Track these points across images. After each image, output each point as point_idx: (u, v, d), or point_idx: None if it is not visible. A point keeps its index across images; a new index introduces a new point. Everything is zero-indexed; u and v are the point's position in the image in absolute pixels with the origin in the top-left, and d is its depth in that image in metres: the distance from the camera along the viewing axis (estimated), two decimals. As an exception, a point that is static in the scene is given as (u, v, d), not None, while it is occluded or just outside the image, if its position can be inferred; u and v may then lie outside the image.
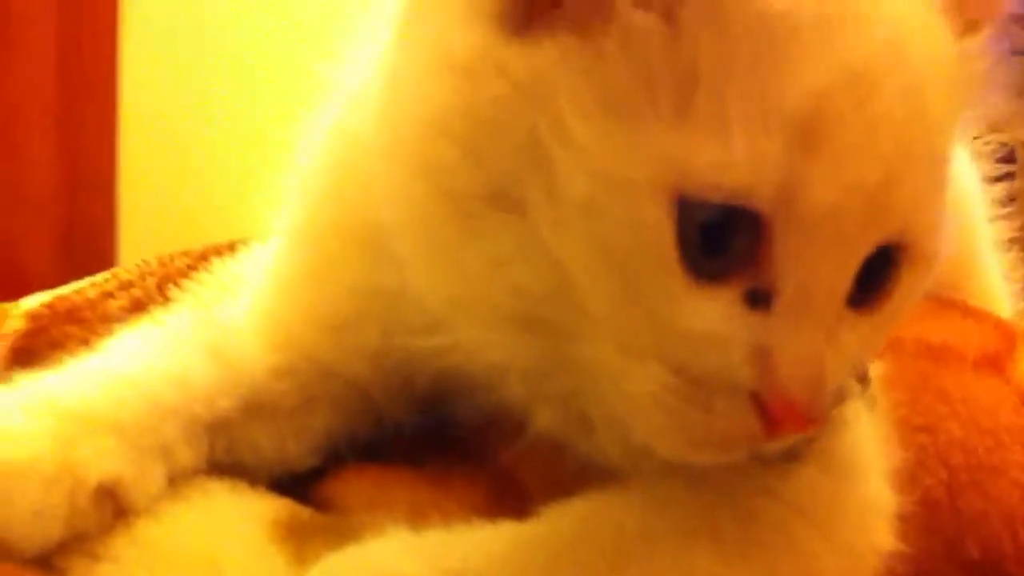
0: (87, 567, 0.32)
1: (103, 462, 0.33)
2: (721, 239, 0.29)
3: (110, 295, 0.54)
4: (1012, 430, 0.45)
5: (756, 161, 0.28)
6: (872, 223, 0.30)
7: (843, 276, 0.31)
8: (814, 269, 0.30)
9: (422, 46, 0.31)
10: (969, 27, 0.33)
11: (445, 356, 0.34)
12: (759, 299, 0.30)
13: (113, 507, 0.33)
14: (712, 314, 0.30)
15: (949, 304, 0.51)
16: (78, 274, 0.67)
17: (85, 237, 3.38)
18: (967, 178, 0.59)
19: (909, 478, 0.41)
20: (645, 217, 0.28)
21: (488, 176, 0.29)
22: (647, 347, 0.30)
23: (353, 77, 0.37)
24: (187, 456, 0.36)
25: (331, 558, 0.30)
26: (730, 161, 0.28)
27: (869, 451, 0.38)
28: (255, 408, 0.39)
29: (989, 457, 0.45)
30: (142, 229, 3.55)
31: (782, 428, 0.30)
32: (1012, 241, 0.65)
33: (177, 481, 0.35)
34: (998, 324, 0.51)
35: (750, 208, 0.29)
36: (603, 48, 0.28)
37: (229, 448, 0.38)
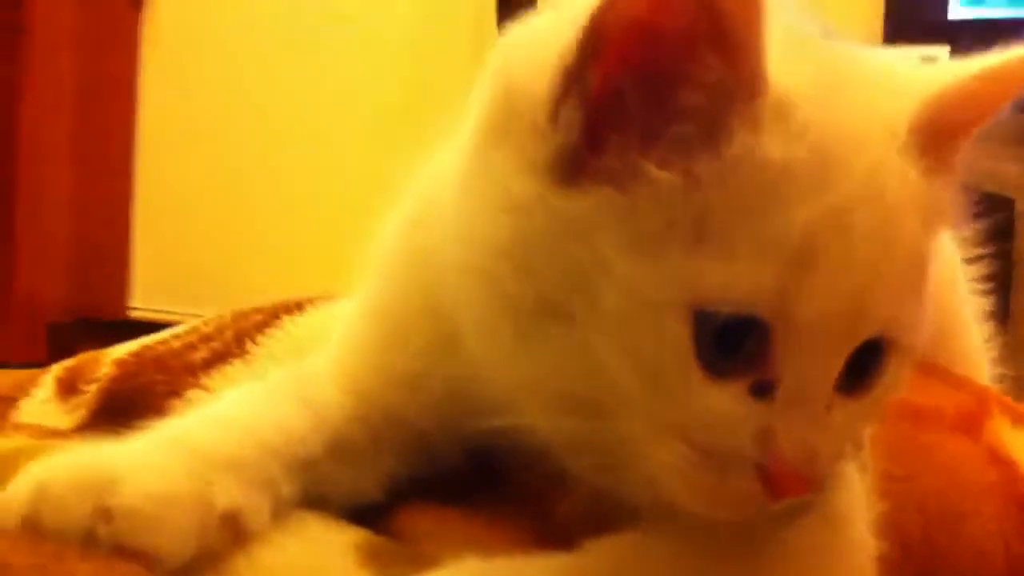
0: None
1: (226, 494, 0.40)
2: (732, 342, 0.37)
3: (193, 347, 0.62)
4: (980, 483, 0.53)
5: (757, 280, 0.36)
6: (854, 327, 0.38)
7: (832, 370, 0.38)
8: (808, 366, 0.38)
9: (489, 185, 0.39)
10: (935, 166, 0.41)
11: (504, 433, 0.42)
12: (764, 390, 0.38)
13: (233, 532, 0.40)
14: (723, 403, 0.37)
15: (932, 370, 0.58)
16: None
17: (97, 280, 3.44)
18: (949, 259, 0.66)
19: (891, 521, 0.48)
20: (668, 327, 0.36)
21: (540, 294, 0.37)
22: (670, 428, 0.38)
23: (427, 185, 0.45)
24: (288, 490, 0.43)
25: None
26: (736, 281, 0.36)
27: (858, 505, 0.46)
28: (336, 449, 0.47)
29: (960, 505, 0.52)
30: (154, 277, 3.60)
31: (783, 493, 0.38)
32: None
33: (279, 512, 0.43)
34: (974, 390, 0.59)
35: (754, 317, 0.36)
36: (633, 198, 0.36)
37: (315, 483, 0.46)
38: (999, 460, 0.54)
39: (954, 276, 0.67)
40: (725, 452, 0.38)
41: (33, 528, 0.36)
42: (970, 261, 0.70)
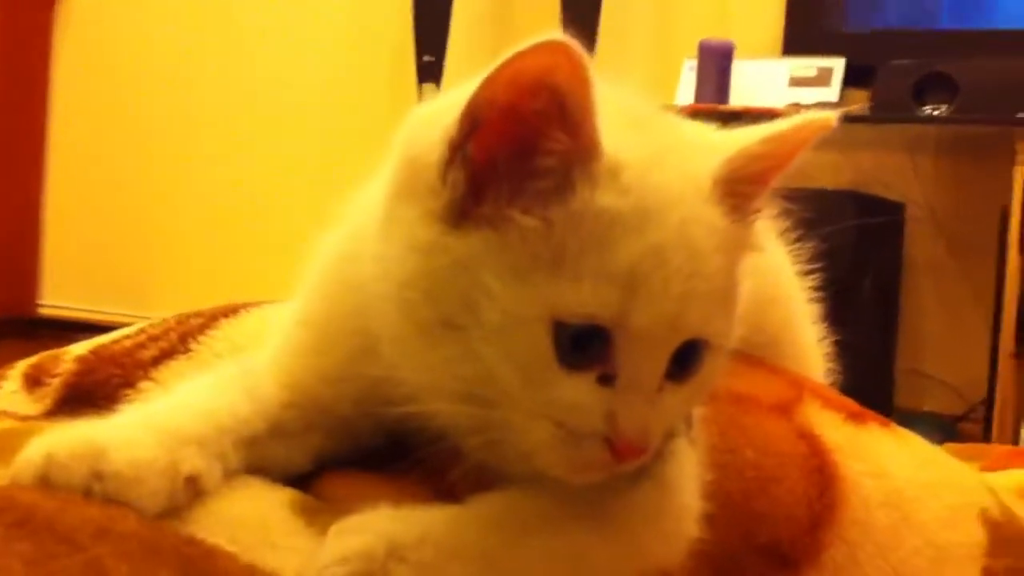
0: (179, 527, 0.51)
1: (189, 462, 0.53)
2: (582, 344, 0.50)
3: (143, 346, 0.74)
4: (790, 454, 0.67)
5: (598, 299, 0.49)
6: (673, 333, 0.51)
7: (658, 365, 0.52)
8: (639, 361, 0.51)
9: (400, 231, 0.52)
10: (737, 210, 0.54)
11: (411, 417, 0.55)
12: (608, 379, 0.51)
13: (194, 491, 0.53)
14: (578, 391, 0.50)
15: (757, 364, 0.73)
16: None
17: (7, 279, 3.46)
18: (785, 271, 0.81)
19: (717, 487, 0.62)
20: (534, 335, 0.49)
21: (440, 313, 0.50)
22: (539, 412, 0.51)
23: (357, 221, 0.58)
24: (235, 461, 0.56)
25: (341, 522, 0.50)
26: (583, 299, 0.49)
27: (687, 473, 0.59)
28: (273, 430, 0.59)
29: (773, 472, 0.66)
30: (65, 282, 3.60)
31: (624, 459, 0.51)
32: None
33: (229, 477, 0.55)
34: (790, 380, 0.73)
35: (597, 325, 0.50)
36: (505, 237, 0.49)
37: (257, 457, 0.58)
38: (806, 436, 0.69)
39: (789, 289, 0.82)
40: (581, 429, 0.51)
41: (44, 484, 0.49)
42: (805, 274, 0.84)
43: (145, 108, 3.66)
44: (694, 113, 2.68)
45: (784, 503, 0.66)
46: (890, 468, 0.70)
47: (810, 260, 0.83)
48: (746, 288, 0.57)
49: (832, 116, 0.55)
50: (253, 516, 0.53)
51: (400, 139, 0.54)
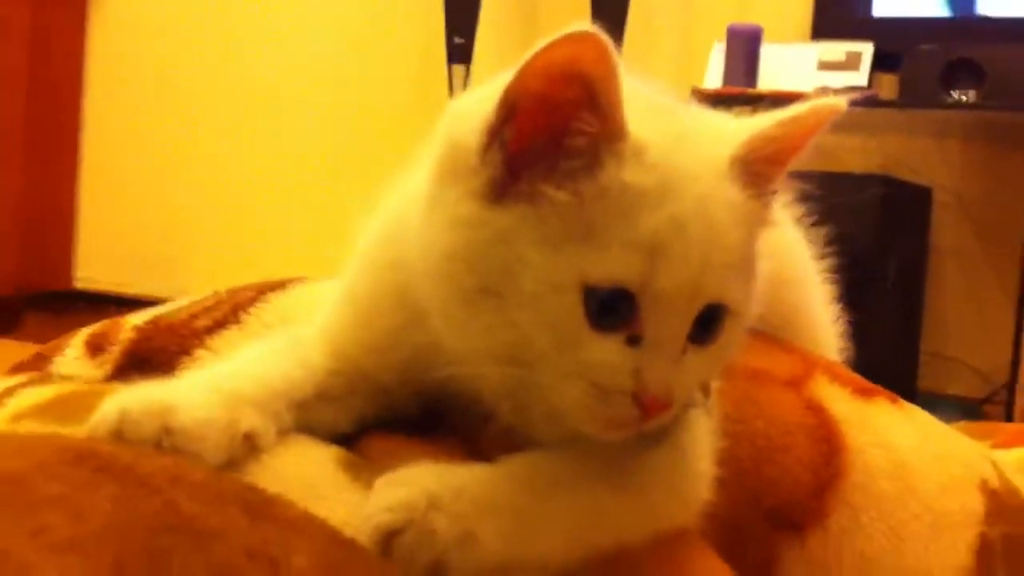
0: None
1: (247, 421, 0.58)
2: (611, 308, 0.55)
3: (196, 316, 0.80)
4: (799, 424, 0.72)
5: (625, 265, 0.54)
6: (695, 296, 0.56)
7: (681, 327, 0.57)
8: (664, 323, 0.56)
9: (443, 211, 0.57)
10: (753, 190, 0.59)
11: (453, 380, 0.60)
12: (635, 341, 0.56)
13: (251, 446, 0.59)
14: (607, 351, 0.55)
15: (772, 341, 0.78)
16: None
17: (43, 263, 3.53)
18: (801, 254, 0.86)
19: (730, 454, 0.67)
20: (566, 300, 0.55)
21: (481, 282, 0.55)
22: (571, 372, 0.56)
23: (398, 207, 0.63)
24: (287, 421, 0.62)
25: (386, 476, 0.56)
26: (611, 266, 0.54)
27: (702, 441, 0.64)
28: (321, 395, 0.65)
29: (782, 441, 0.72)
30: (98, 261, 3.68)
31: (650, 414, 0.56)
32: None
33: (282, 434, 0.61)
34: (803, 357, 0.78)
35: (625, 289, 0.55)
36: (540, 211, 0.55)
37: (305, 419, 0.64)
38: (815, 408, 0.74)
39: (804, 271, 0.87)
40: (610, 387, 0.56)
41: (118, 438, 0.54)
42: (820, 257, 0.89)
43: (179, 86, 3.72)
44: (722, 96, 2.73)
45: (792, 470, 0.71)
46: (894, 440, 0.75)
47: (826, 244, 0.87)
48: (763, 268, 0.62)
49: (842, 101, 0.60)
50: (304, 470, 0.59)
51: (441, 127, 0.59)
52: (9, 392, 0.68)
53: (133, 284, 3.50)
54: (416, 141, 0.64)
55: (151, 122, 3.74)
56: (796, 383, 0.75)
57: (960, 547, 0.74)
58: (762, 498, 0.70)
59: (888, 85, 2.80)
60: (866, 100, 2.67)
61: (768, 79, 2.71)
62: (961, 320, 2.94)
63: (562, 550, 0.57)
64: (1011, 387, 2.68)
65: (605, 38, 0.53)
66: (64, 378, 0.75)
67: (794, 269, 0.84)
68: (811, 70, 2.76)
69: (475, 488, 0.56)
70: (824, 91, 2.63)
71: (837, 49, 2.80)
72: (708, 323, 0.58)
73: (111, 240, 3.75)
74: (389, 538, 0.53)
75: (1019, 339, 2.66)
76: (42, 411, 0.65)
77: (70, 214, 3.75)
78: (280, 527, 0.48)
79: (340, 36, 3.56)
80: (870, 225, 2.58)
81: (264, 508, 0.49)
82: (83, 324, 0.85)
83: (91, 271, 3.75)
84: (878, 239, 2.59)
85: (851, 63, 2.76)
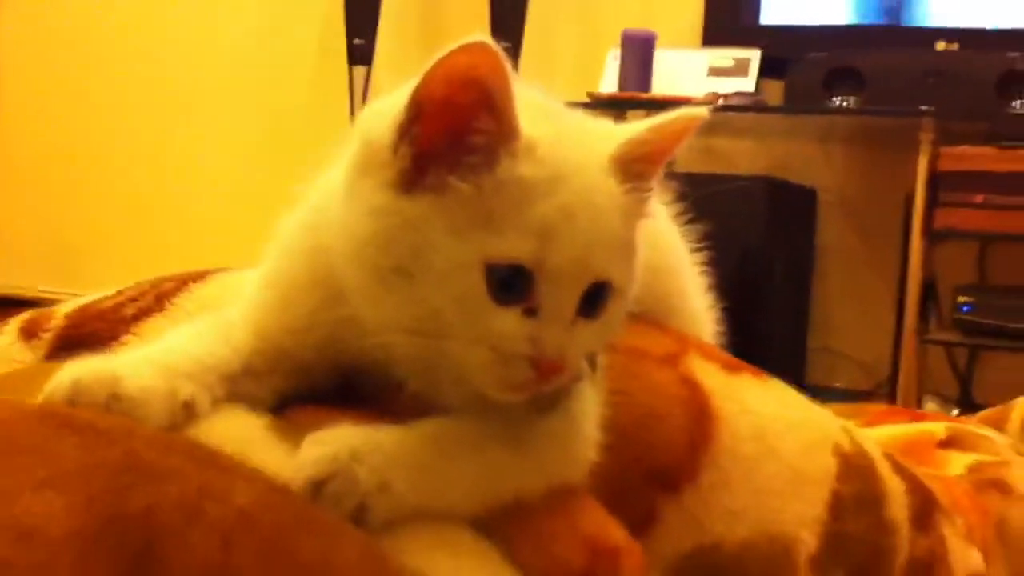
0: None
1: (184, 390, 0.67)
2: (509, 283, 0.64)
3: (123, 305, 0.87)
4: (674, 396, 0.83)
5: (521, 246, 0.63)
6: (583, 274, 0.65)
7: (571, 299, 0.66)
8: (555, 296, 0.65)
9: (360, 201, 0.66)
10: (632, 185, 0.69)
11: (369, 350, 0.69)
12: (532, 312, 0.65)
13: (189, 413, 0.67)
14: (508, 321, 0.64)
15: (651, 324, 0.89)
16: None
17: None
18: (677, 246, 0.97)
19: (613, 423, 0.77)
20: (471, 276, 0.63)
21: (393, 262, 0.64)
22: (477, 340, 0.64)
23: (320, 194, 0.72)
24: (219, 393, 0.70)
25: (312, 434, 0.65)
26: (509, 247, 0.63)
27: (590, 408, 0.74)
28: (246, 371, 0.73)
29: (659, 411, 0.82)
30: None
31: (546, 376, 0.65)
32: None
33: (216, 405, 0.70)
34: (678, 337, 0.89)
35: (522, 266, 0.64)
36: (446, 201, 0.64)
37: (234, 392, 0.72)
38: (688, 382, 0.84)
39: (681, 262, 0.97)
40: (510, 352, 0.65)
41: (71, 404, 0.62)
42: (696, 250, 1.00)
43: (84, 88, 3.72)
44: (617, 100, 2.86)
45: (668, 435, 0.81)
46: (757, 408, 0.86)
47: (703, 240, 0.98)
48: (642, 257, 0.73)
49: (703, 111, 0.70)
50: (237, 433, 0.67)
51: (358, 127, 0.68)
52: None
53: (35, 286, 3.49)
54: (317, 140, 0.72)
55: (56, 126, 3.73)
56: (671, 360, 0.85)
57: (816, 502, 0.85)
58: (642, 460, 0.80)
59: (774, 91, 2.96)
60: (753, 105, 2.84)
61: (661, 84, 2.86)
62: (846, 315, 3.12)
63: (466, 500, 0.67)
64: (893, 379, 2.87)
65: (498, 48, 0.62)
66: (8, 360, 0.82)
67: (670, 259, 0.94)
68: (702, 75, 2.91)
69: (390, 445, 0.65)
70: (714, 96, 2.79)
71: (726, 55, 2.95)
72: (595, 299, 0.67)
73: (16, 242, 3.73)
74: (318, 487, 0.62)
75: (900, 333, 2.84)
76: (-10, 387, 0.72)
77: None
78: (224, 472, 0.56)
79: (241, 35, 3.60)
80: (758, 225, 2.73)
81: (208, 458, 0.58)
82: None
83: (6, 277, 3.72)
84: (765, 238, 2.75)
85: (740, 69, 2.92)
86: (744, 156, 2.98)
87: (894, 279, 2.87)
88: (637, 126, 0.70)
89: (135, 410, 0.64)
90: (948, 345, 2.88)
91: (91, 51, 3.71)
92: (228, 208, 3.31)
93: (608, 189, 0.67)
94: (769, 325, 2.81)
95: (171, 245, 3.49)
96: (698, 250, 1.00)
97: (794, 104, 2.84)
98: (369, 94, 3.13)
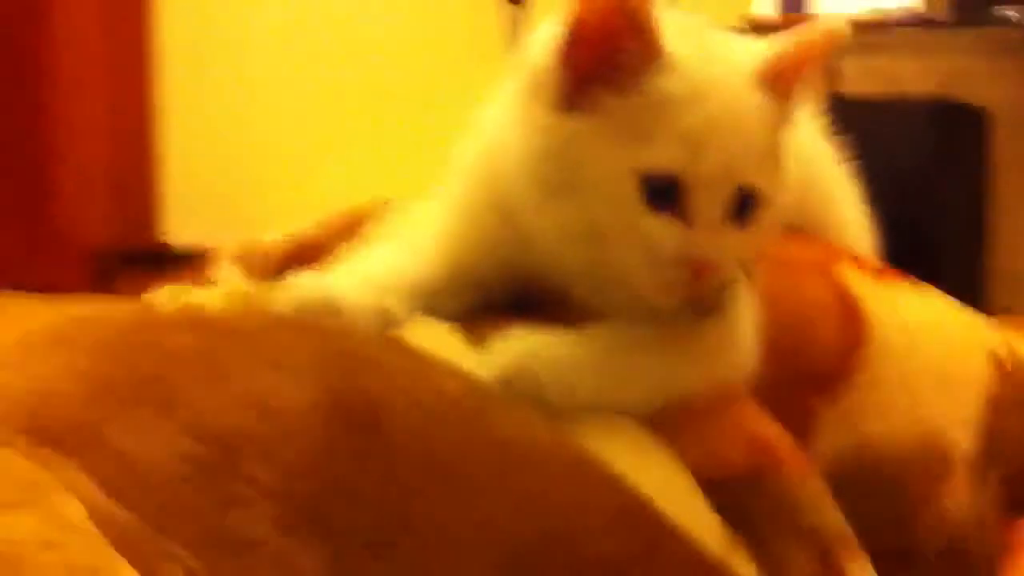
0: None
1: (389, 302, 0.77)
2: (663, 191, 0.71)
3: (322, 233, 0.99)
4: (825, 303, 0.89)
5: (671, 156, 0.70)
6: (728, 180, 0.71)
7: (720, 205, 0.70)
8: (704, 203, 0.71)
9: (527, 118, 0.74)
10: (776, 96, 0.75)
11: (541, 263, 0.77)
12: (684, 218, 0.72)
13: (394, 322, 0.77)
14: (663, 227, 0.71)
15: (804, 235, 0.95)
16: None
17: (132, 210, 3.71)
18: (824, 155, 1.02)
19: (767, 326, 0.84)
20: (626, 185, 0.71)
21: (558, 175, 0.72)
22: (633, 244, 0.72)
23: (490, 122, 0.80)
24: (415, 306, 0.80)
25: (500, 339, 0.74)
26: (660, 158, 0.71)
27: (747, 315, 0.81)
28: (436, 287, 0.83)
29: (811, 315, 0.89)
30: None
31: (700, 275, 0.70)
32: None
33: (414, 315, 0.80)
34: (826, 247, 0.96)
35: (673, 176, 0.71)
36: (602, 116, 0.71)
37: (426, 305, 0.82)
38: (839, 288, 0.91)
39: (831, 174, 1.02)
40: (664, 254, 0.72)
41: (297, 311, 0.74)
42: (847, 163, 1.05)
43: (250, 45, 3.91)
44: (771, 24, 2.84)
45: (821, 340, 0.88)
46: (909, 312, 0.91)
47: (849, 153, 1.03)
48: (793, 171, 0.78)
49: (843, 24, 0.76)
50: (435, 340, 0.77)
51: (523, 56, 0.77)
52: (185, 291, 0.87)
53: (221, 238, 3.71)
54: (474, 79, 0.81)
55: (228, 74, 3.93)
56: (823, 267, 0.92)
57: (966, 402, 0.90)
58: (798, 364, 0.87)
59: (939, 6, 2.90)
60: (917, 20, 2.79)
61: (821, 3, 2.83)
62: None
63: (634, 399, 0.75)
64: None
65: None
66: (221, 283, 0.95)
67: (821, 172, 1.00)
68: (863, -7, 2.87)
69: (566, 347, 0.74)
70: (878, 13, 2.75)
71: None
72: (744, 208, 0.74)
73: (197, 194, 3.97)
74: (506, 384, 0.72)
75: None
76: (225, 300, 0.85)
77: (150, 167, 3.96)
78: (432, 366, 0.67)
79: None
80: (927, 147, 2.70)
81: (416, 354, 0.69)
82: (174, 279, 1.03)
83: (178, 228, 3.97)
84: (935, 161, 2.71)
85: (905, -15, 2.87)
86: (910, 75, 2.93)
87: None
88: (780, 40, 0.76)
89: (349, 319, 0.75)
90: None
91: (258, 13, 3.88)
92: (394, 147, 3.45)
93: (751, 101, 0.73)
94: (944, 249, 2.79)
95: (343, 184, 3.65)
96: (851, 163, 1.04)
97: (961, 17, 2.78)
98: (522, 33, 3.20)
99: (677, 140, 0.70)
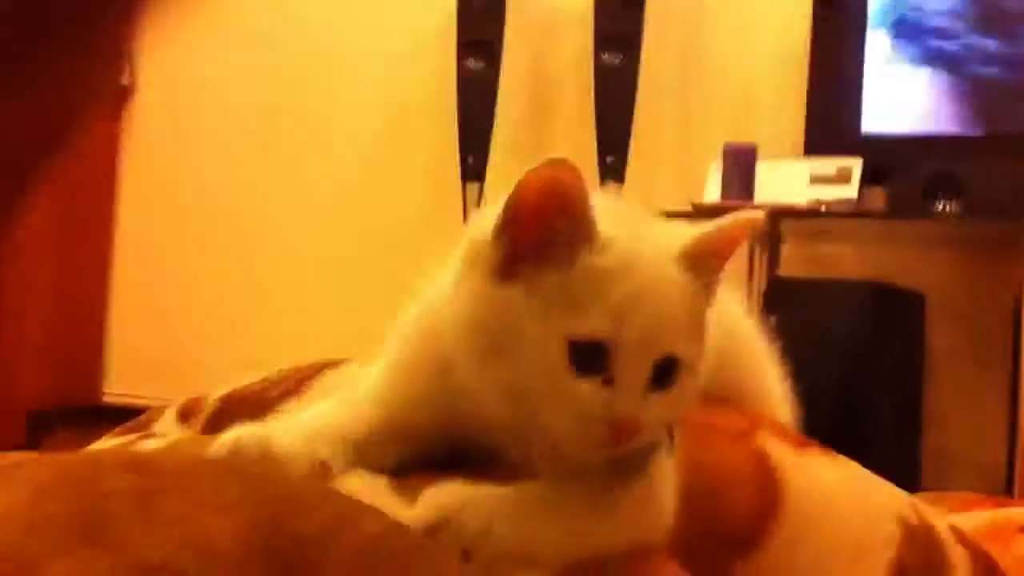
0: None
1: (322, 453, 0.82)
2: (589, 357, 0.77)
3: (267, 389, 1.04)
4: (743, 470, 0.95)
5: (599, 324, 0.76)
6: (652, 348, 0.78)
7: (643, 371, 0.77)
8: (628, 368, 0.77)
9: (466, 286, 0.80)
10: (698, 277, 0.83)
11: (474, 420, 0.82)
12: (609, 382, 0.77)
13: (325, 472, 0.82)
14: (588, 390, 0.77)
15: (724, 403, 1.01)
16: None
17: (73, 368, 3.71)
18: (748, 331, 1.09)
19: (687, 488, 0.89)
20: (556, 351, 0.77)
21: (492, 340, 0.78)
22: (560, 405, 0.77)
23: (435, 289, 0.87)
24: (350, 458, 0.85)
25: (430, 488, 0.79)
26: (590, 326, 0.77)
27: (667, 476, 0.86)
28: (371, 439, 0.87)
29: (731, 480, 0.94)
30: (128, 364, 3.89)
31: (621, 437, 0.75)
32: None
33: (347, 468, 0.84)
34: (749, 415, 1.01)
35: (599, 342, 0.77)
36: (536, 287, 0.78)
37: (360, 459, 0.87)
38: (759, 456, 0.96)
39: (754, 349, 1.09)
40: (589, 416, 0.77)
41: (233, 457, 0.78)
42: (772, 342, 1.12)
43: (204, 204, 4.00)
44: (720, 210, 2.98)
45: (739, 503, 0.93)
46: (825, 480, 0.97)
47: (776, 331, 1.10)
48: (716, 341, 0.85)
49: (760, 214, 0.85)
50: (365, 490, 0.82)
51: (468, 231, 0.84)
52: (130, 444, 0.92)
53: (162, 396, 3.72)
54: (432, 253, 0.88)
55: (179, 235, 4.01)
56: (743, 435, 0.97)
57: (877, 568, 0.95)
58: (715, 527, 0.92)
59: (876, 198, 3.06)
60: (856, 212, 2.94)
61: (764, 193, 2.98)
62: (959, 418, 3.14)
63: (556, 551, 0.79)
64: (1009, 480, 2.88)
65: (575, 165, 0.78)
66: (163, 436, 0.99)
67: (744, 346, 1.06)
68: (804, 184, 3.03)
69: (494, 500, 0.79)
70: (817, 204, 2.90)
71: (828, 164, 3.07)
72: (666, 373, 0.80)
73: (140, 352, 3.99)
74: (432, 531, 0.76)
75: (1015, 434, 2.87)
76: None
77: (99, 327, 3.98)
78: (356, 507, 0.71)
79: (359, 153, 3.85)
80: (864, 329, 2.81)
81: (342, 497, 0.73)
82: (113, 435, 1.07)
83: (120, 386, 3.98)
84: (871, 343, 2.82)
85: (842, 177, 3.03)
86: (848, 262, 3.07)
87: (1006, 381, 2.91)
88: (703, 226, 0.84)
89: (283, 467, 0.79)
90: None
91: (218, 171, 4.00)
92: (350, 318, 3.52)
93: (675, 277, 0.80)
94: (877, 429, 2.86)
95: (292, 349, 3.68)
96: (776, 342, 1.11)
97: (896, 211, 2.94)
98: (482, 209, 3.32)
99: (605, 310, 0.77)
